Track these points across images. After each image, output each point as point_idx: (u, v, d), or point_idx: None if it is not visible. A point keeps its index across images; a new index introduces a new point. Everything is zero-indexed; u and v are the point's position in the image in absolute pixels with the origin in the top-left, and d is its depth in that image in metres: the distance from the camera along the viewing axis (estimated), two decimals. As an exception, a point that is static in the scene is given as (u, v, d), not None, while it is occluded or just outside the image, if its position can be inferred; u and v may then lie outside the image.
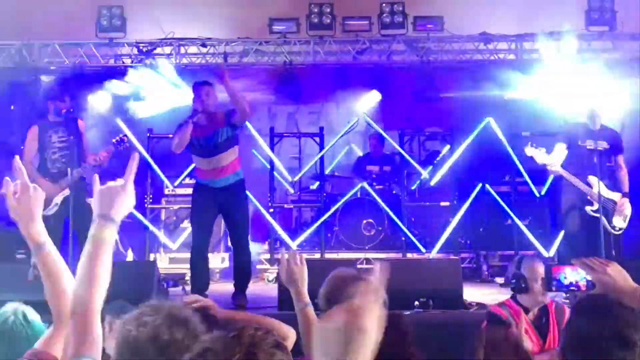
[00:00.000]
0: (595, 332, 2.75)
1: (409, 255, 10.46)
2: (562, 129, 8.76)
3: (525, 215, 10.77)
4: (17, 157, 3.01)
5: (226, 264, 10.72)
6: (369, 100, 12.19)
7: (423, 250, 10.57)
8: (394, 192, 11.44)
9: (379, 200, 10.86)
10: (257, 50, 11.64)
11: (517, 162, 10.68)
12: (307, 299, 3.61)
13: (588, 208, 8.12)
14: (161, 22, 11.61)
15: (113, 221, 2.63)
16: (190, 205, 8.53)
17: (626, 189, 8.32)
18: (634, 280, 3.19)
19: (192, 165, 8.78)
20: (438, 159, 11.75)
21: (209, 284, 8.13)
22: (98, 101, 11.48)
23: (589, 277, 3.72)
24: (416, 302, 7.02)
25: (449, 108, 12.02)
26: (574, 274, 3.95)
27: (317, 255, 10.32)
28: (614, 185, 8.30)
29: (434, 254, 10.44)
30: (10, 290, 6.47)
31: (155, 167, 10.97)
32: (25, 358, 3.06)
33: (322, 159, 11.19)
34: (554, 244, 10.21)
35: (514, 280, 4.99)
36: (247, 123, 8.50)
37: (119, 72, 11.65)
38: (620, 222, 8.18)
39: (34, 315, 3.89)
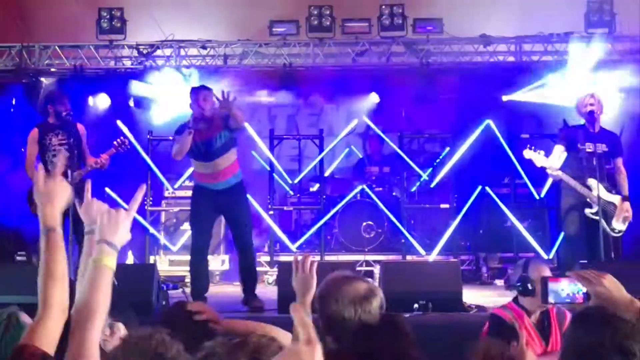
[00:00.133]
0: (595, 343, 2.75)
1: (409, 257, 10.47)
2: (561, 131, 8.76)
3: (524, 217, 10.78)
4: (61, 154, 3.20)
5: (226, 266, 10.73)
6: (368, 102, 12.20)
7: (423, 252, 10.57)
8: (393, 194, 11.45)
9: (379, 202, 10.86)
10: (257, 52, 11.64)
11: (517, 164, 10.69)
12: (307, 308, 3.61)
13: (587, 211, 8.12)
14: (161, 24, 11.61)
15: (116, 249, 2.71)
16: (190, 208, 8.54)
17: (626, 191, 8.32)
18: (635, 283, 3.20)
19: (192, 168, 8.78)
20: (438, 161, 11.76)
21: (208, 286, 8.13)
22: (99, 103, 11.54)
23: (584, 290, 3.73)
24: (415, 305, 7.02)
25: (449, 110, 12.02)
26: (571, 287, 3.96)
27: (317, 258, 10.31)
28: (614, 188, 8.30)
29: (433, 256, 10.44)
30: (10, 293, 6.49)
31: (155, 169, 10.99)
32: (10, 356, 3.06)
33: (321, 161, 11.20)
34: (553, 246, 10.22)
35: (519, 283, 4.98)
36: (247, 124, 8.50)
37: (119, 75, 11.68)
38: (619, 225, 8.18)
39: (28, 320, 3.89)
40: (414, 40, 11.46)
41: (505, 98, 11.56)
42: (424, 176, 11.51)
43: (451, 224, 10.72)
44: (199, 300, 7.34)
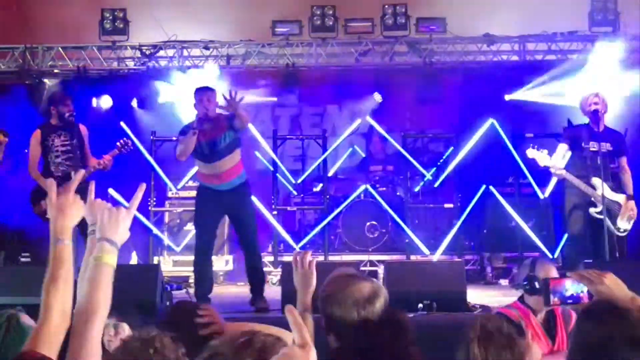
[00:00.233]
0: (605, 336, 2.74)
1: (413, 257, 10.44)
2: (565, 130, 8.74)
3: (529, 217, 10.73)
4: (81, 171, 3.21)
5: (230, 266, 10.73)
6: (371, 102, 12.20)
7: (427, 252, 10.54)
8: (397, 194, 11.43)
9: (383, 202, 10.85)
10: (260, 52, 11.64)
11: (521, 164, 10.66)
12: (307, 305, 3.61)
13: (592, 210, 8.10)
14: (164, 24, 11.62)
15: (115, 246, 2.73)
16: (193, 208, 8.53)
17: (630, 190, 8.30)
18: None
19: (195, 168, 8.77)
20: (441, 160, 11.74)
21: (212, 286, 8.12)
22: (102, 104, 11.55)
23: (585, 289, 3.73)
24: (420, 305, 7.00)
25: (452, 109, 12.02)
26: (575, 286, 3.95)
27: (321, 258, 10.30)
28: (618, 187, 8.28)
29: (437, 256, 10.41)
30: (14, 294, 6.49)
31: (158, 170, 10.99)
32: None
33: (325, 161, 11.19)
34: (558, 246, 10.20)
35: (526, 282, 4.97)
36: (250, 125, 8.49)
37: (121, 75, 11.69)
38: (624, 224, 8.17)
39: (28, 322, 3.88)
40: (417, 39, 11.47)
41: (507, 97, 11.54)
42: (428, 176, 11.48)
43: (455, 224, 10.69)
44: (203, 301, 7.35)
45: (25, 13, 11.71)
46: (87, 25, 11.52)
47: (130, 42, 11.56)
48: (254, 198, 8.65)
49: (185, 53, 11.73)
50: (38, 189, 8.36)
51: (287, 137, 12.12)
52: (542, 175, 10.29)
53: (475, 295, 8.06)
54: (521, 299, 5.08)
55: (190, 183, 10.93)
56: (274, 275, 10.31)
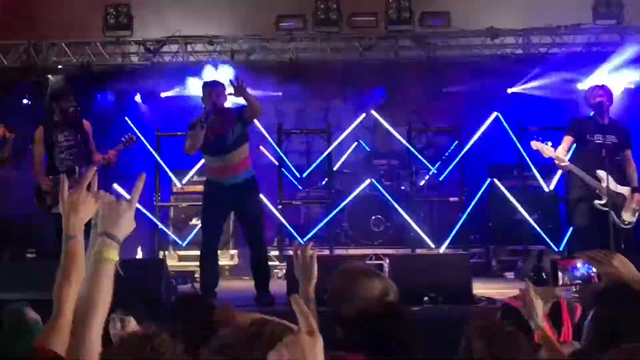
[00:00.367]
0: (624, 318, 2.75)
1: (418, 250, 10.44)
2: (570, 123, 8.73)
3: (534, 209, 10.73)
4: (92, 168, 3.17)
5: (235, 261, 10.74)
6: (376, 96, 12.18)
7: (432, 245, 10.55)
8: (402, 187, 11.44)
9: (388, 196, 10.85)
10: (264, 47, 11.65)
11: (526, 157, 10.65)
12: (311, 296, 3.61)
13: (597, 202, 8.10)
14: (168, 20, 11.63)
15: (118, 241, 2.66)
16: (199, 203, 8.54)
17: (635, 183, 8.29)
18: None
19: (201, 162, 8.78)
20: (446, 154, 11.73)
21: (218, 281, 8.13)
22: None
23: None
24: (425, 298, 7.01)
25: (457, 103, 12.01)
26: (584, 267, 3.96)
27: (327, 252, 10.32)
28: (623, 180, 8.27)
29: (443, 249, 10.43)
30: (21, 289, 6.50)
31: (163, 165, 11.01)
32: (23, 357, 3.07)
33: (330, 155, 11.20)
34: (563, 238, 10.19)
35: (533, 273, 4.99)
36: (255, 120, 8.49)
37: (126, 71, 11.71)
38: (629, 217, 8.15)
39: (33, 316, 3.90)
40: (421, 33, 11.46)
41: (509, 90, 11.55)
42: (433, 169, 11.48)
43: (460, 217, 10.70)
44: (208, 295, 7.36)
45: (29, 9, 11.72)
46: (91, 21, 11.53)
47: (134, 37, 11.57)
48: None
49: (189, 48, 11.74)
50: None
51: (292, 131, 12.13)
52: (547, 168, 10.29)
53: (481, 288, 8.06)
54: (527, 290, 5.08)
55: (195, 178, 10.94)
56: (279, 269, 10.32)
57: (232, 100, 8.19)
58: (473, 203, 10.81)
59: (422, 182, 11.73)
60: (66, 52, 11.63)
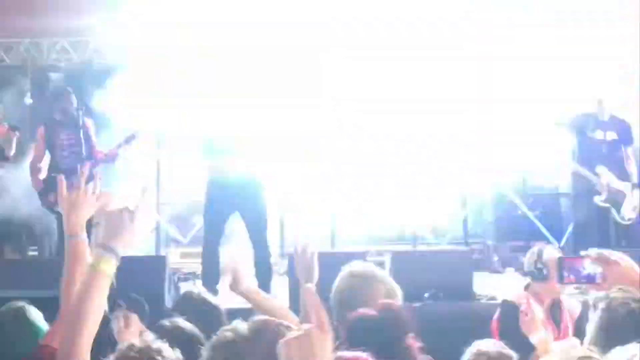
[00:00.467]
0: (631, 322, 2.76)
1: (419, 246, 10.46)
2: (571, 119, 8.75)
3: (535, 205, 10.74)
4: (87, 165, 3.16)
5: (238, 258, 10.72)
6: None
7: (433, 241, 10.56)
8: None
9: (388, 192, 10.86)
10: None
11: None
12: (314, 294, 3.61)
13: (597, 198, 8.11)
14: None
15: (114, 253, 2.51)
16: (200, 200, 8.53)
17: (635, 179, 8.31)
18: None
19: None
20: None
21: (220, 278, 8.12)
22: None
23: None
24: (426, 294, 7.02)
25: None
26: (590, 266, 3.97)
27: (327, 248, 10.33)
28: (624, 176, 8.29)
29: (444, 245, 10.44)
30: (22, 287, 6.52)
31: (164, 162, 11.01)
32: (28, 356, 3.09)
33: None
34: (564, 234, 10.20)
35: (534, 269, 5.01)
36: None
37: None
38: (630, 213, 8.17)
39: (35, 315, 3.92)
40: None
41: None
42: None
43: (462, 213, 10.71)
44: (210, 293, 7.37)
45: (30, 6, 11.71)
46: (92, 18, 11.52)
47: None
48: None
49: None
50: (46, 180, 8.40)
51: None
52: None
53: (482, 284, 8.07)
54: (527, 287, 5.11)
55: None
56: (280, 266, 10.32)
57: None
58: (475, 199, 10.80)
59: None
60: (67, 49, 11.61)
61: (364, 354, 2.78)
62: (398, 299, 3.38)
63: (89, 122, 8.68)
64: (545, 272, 4.92)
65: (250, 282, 3.85)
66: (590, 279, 3.94)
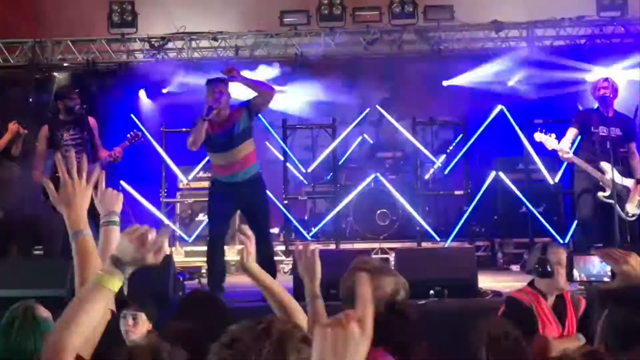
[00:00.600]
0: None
1: (424, 244, 10.46)
2: (575, 115, 8.76)
3: (539, 202, 10.74)
4: (58, 154, 3.08)
5: (243, 256, 10.74)
6: (380, 90, 12.20)
7: (438, 239, 10.57)
8: (407, 181, 11.47)
9: (393, 190, 10.87)
10: (268, 42, 11.66)
11: (531, 150, 10.64)
12: (316, 292, 3.62)
13: (600, 194, 8.11)
14: (172, 16, 11.65)
15: (123, 271, 2.45)
16: (205, 199, 8.56)
17: (639, 175, 8.31)
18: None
19: (207, 158, 8.80)
20: (451, 147, 11.75)
21: (225, 276, 8.15)
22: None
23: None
24: (431, 291, 7.02)
25: (461, 96, 11.99)
26: (600, 265, 3.96)
27: (332, 246, 10.35)
28: (627, 172, 8.29)
29: (448, 242, 10.45)
30: (28, 286, 6.54)
31: (169, 161, 11.04)
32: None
33: (335, 149, 11.22)
34: (569, 231, 10.20)
35: (538, 266, 5.01)
36: (260, 115, 8.47)
37: (131, 68, 11.72)
38: (633, 209, 8.16)
39: (44, 314, 3.93)
40: (425, 27, 11.47)
41: (510, 83, 11.57)
42: (438, 163, 11.52)
43: (466, 210, 10.72)
44: (216, 291, 7.40)
45: (34, 7, 11.75)
46: (95, 18, 11.56)
47: (138, 34, 11.60)
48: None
49: (194, 45, 11.76)
50: (51, 179, 8.40)
51: (297, 126, 12.14)
52: (552, 161, 10.31)
53: (486, 281, 8.08)
54: (532, 283, 5.12)
55: (201, 174, 10.99)
56: (285, 264, 10.34)
57: (239, 98, 8.23)
58: (478, 196, 10.82)
59: (427, 176, 11.78)
60: (71, 49, 11.65)
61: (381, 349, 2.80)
62: (405, 293, 3.38)
63: (93, 122, 8.70)
64: (549, 268, 4.92)
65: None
66: (599, 278, 3.93)
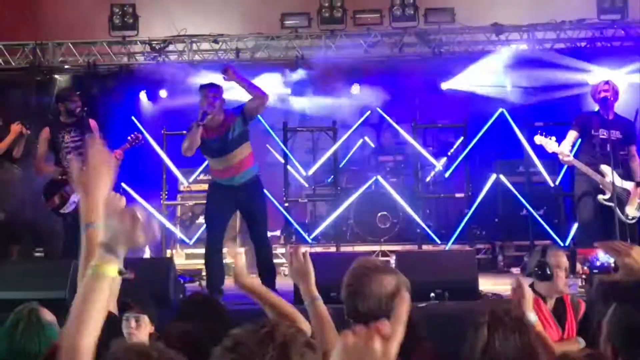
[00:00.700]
0: None
1: (425, 247, 10.47)
2: (575, 117, 8.76)
3: (539, 205, 10.75)
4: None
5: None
6: (381, 93, 12.19)
7: (438, 241, 10.58)
8: (408, 184, 11.48)
9: (394, 192, 10.87)
10: (269, 45, 11.67)
11: (531, 152, 10.65)
12: (314, 293, 3.62)
13: (601, 197, 8.11)
14: (173, 19, 11.66)
15: (117, 256, 2.42)
16: (205, 202, 8.56)
17: (639, 178, 8.31)
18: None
19: (206, 162, 8.81)
20: (452, 150, 11.76)
21: (224, 279, 8.15)
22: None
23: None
24: (432, 294, 7.04)
25: (462, 99, 12.00)
26: (606, 257, 3.97)
27: (333, 249, 10.36)
28: (628, 175, 8.29)
29: (449, 245, 10.45)
30: (29, 289, 6.54)
31: (170, 163, 11.04)
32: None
33: (335, 152, 11.22)
34: (569, 234, 10.21)
35: (537, 269, 5.01)
36: (260, 118, 8.48)
37: (132, 70, 11.74)
38: (634, 212, 8.17)
39: (48, 317, 3.93)
40: (426, 30, 11.47)
41: (510, 86, 11.56)
42: (438, 166, 11.51)
43: (466, 213, 10.72)
44: (215, 294, 7.41)
45: (35, 9, 11.76)
46: (96, 20, 11.58)
47: (139, 37, 11.61)
48: (264, 191, 8.66)
49: (194, 47, 11.77)
50: (51, 183, 8.43)
51: (298, 129, 12.14)
52: (553, 163, 10.31)
53: (487, 284, 8.09)
54: (531, 286, 5.12)
55: (202, 177, 10.99)
56: (286, 267, 10.33)
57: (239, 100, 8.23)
58: (479, 199, 10.82)
59: (428, 179, 11.78)
60: (72, 52, 11.65)
61: None
62: (408, 292, 3.38)
63: (94, 123, 8.71)
64: (549, 271, 4.93)
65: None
66: (603, 269, 3.95)
